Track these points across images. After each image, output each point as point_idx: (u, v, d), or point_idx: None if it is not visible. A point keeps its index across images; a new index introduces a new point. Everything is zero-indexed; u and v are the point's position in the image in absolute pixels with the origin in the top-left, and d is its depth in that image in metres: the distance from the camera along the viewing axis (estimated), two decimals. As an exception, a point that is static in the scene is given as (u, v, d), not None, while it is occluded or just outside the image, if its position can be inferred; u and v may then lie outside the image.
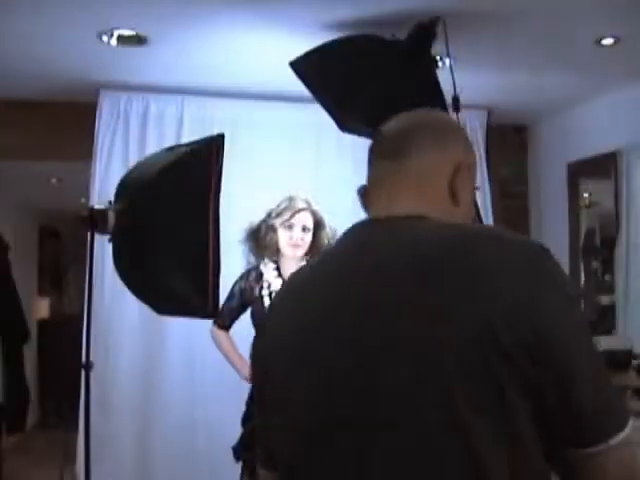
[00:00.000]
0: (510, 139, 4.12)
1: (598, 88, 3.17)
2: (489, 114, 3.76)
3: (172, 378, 3.31)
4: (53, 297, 6.44)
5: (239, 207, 3.17)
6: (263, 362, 0.98)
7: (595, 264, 3.11)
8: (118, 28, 2.65)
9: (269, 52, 2.74)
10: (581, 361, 0.83)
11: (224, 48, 2.80)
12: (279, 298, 1.03)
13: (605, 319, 2.97)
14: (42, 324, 5.96)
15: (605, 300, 2.89)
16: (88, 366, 1.99)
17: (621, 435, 0.83)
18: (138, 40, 2.74)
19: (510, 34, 2.47)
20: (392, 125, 1.05)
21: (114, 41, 2.75)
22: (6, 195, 4.79)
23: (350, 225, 1.00)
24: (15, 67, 3.01)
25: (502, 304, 0.82)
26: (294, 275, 1.04)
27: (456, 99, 2.26)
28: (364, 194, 1.05)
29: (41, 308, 6.16)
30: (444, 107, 2.23)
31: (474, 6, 2.19)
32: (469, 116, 3.63)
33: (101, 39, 2.72)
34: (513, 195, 4.00)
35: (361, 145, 1.50)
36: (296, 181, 3.24)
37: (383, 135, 1.05)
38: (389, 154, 1.02)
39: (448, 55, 2.21)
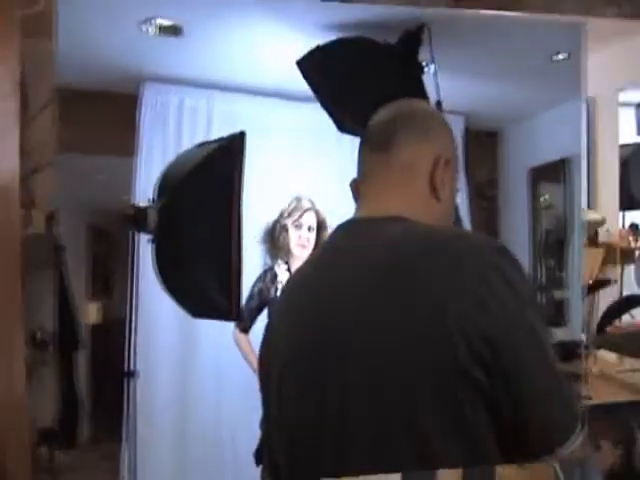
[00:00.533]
0: (485, 144, 4.34)
1: (554, 99, 3.41)
2: (467, 119, 3.85)
3: (208, 385, 3.23)
4: (103, 300, 6.39)
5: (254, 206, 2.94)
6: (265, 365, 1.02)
7: (552, 262, 3.29)
8: (158, 17, 2.52)
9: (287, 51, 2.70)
10: (531, 373, 0.83)
11: (255, 44, 2.77)
12: (279, 298, 1.08)
13: (560, 312, 3.14)
14: (94, 329, 5.99)
15: (558, 295, 3.07)
16: (130, 374, 1.93)
17: (567, 446, 0.84)
18: (174, 31, 2.63)
19: (485, 45, 2.64)
20: (379, 116, 1.06)
21: (153, 30, 2.59)
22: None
23: (338, 224, 1.04)
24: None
25: (457, 314, 0.83)
26: (291, 279, 1.08)
27: (439, 103, 2.39)
28: (355, 187, 1.06)
29: (91, 312, 6.16)
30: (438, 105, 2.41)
31: (455, 16, 2.36)
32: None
33: (141, 29, 2.58)
34: (488, 197, 4.20)
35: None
36: (310, 182, 3.17)
37: (370, 126, 1.05)
38: (375, 145, 1.02)
39: (433, 61, 2.35)
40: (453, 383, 0.80)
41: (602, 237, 4.71)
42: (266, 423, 1.01)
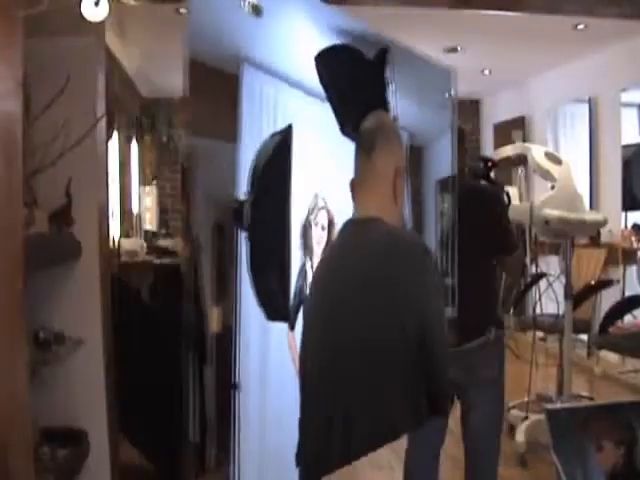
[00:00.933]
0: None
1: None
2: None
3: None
4: (222, 305, 6.44)
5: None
6: None
7: (445, 254, 3.72)
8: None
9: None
10: (438, 337, 1.28)
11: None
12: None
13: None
14: (218, 338, 5.98)
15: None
16: (235, 387, 1.73)
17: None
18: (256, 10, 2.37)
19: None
20: (367, 122, 1.32)
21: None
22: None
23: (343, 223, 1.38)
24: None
25: (403, 311, 1.23)
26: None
27: (395, 118, 2.37)
28: (352, 186, 1.37)
29: (214, 318, 6.15)
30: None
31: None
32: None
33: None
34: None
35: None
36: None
37: (361, 131, 1.31)
38: (363, 149, 1.29)
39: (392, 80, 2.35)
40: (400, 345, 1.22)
41: (604, 237, 4.75)
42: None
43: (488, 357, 2.21)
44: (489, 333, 2.20)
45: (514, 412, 3.66)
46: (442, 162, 3.86)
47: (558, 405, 3.33)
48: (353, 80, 2.27)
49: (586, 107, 5.30)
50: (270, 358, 2.84)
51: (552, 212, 3.18)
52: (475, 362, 2.17)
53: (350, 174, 3.21)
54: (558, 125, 5.75)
